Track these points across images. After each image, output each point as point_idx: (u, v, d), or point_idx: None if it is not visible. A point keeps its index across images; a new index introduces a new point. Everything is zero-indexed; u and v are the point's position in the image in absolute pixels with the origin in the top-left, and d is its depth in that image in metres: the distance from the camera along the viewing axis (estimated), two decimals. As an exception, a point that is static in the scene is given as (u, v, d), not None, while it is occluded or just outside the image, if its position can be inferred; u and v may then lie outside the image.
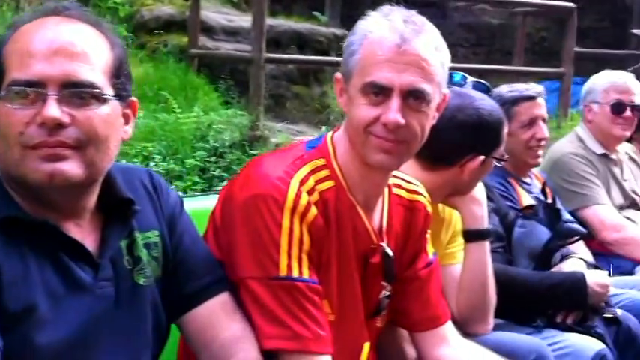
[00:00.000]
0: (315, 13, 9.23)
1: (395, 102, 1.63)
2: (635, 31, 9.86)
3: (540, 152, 3.14)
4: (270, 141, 6.34)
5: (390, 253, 1.83)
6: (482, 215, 2.30)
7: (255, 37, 6.87)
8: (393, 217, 1.86)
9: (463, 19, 15.69)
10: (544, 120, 3.10)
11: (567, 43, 7.32)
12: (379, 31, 1.66)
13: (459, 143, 2.22)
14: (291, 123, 7.50)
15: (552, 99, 9.00)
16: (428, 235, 1.99)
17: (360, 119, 1.67)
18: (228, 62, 7.82)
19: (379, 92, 1.65)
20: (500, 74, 8.32)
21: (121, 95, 1.47)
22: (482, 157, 2.25)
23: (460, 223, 2.38)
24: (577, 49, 8.07)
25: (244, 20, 8.04)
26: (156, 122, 6.00)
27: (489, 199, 2.78)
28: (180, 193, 2.29)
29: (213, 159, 5.83)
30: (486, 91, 2.94)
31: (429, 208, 1.98)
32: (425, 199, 1.96)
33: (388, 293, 1.87)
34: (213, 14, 8.25)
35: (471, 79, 2.97)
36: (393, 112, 1.63)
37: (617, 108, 3.56)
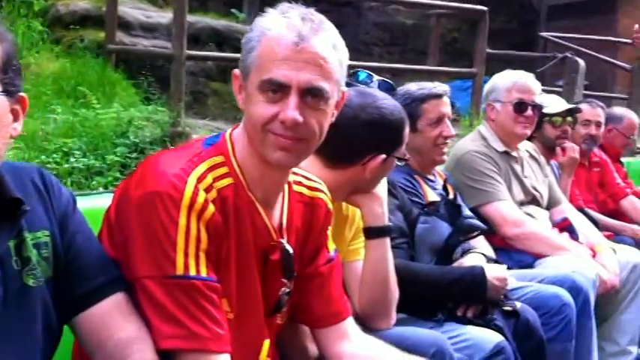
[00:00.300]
0: (234, 11, 9.17)
1: (293, 100, 1.61)
2: (543, 33, 10.15)
3: (446, 149, 3.19)
4: (191, 137, 6.26)
5: (290, 250, 1.81)
6: (382, 212, 2.30)
7: (176, 34, 6.77)
8: (293, 214, 1.84)
9: (378, 18, 15.80)
10: (449, 118, 3.15)
11: (479, 44, 7.46)
12: (277, 28, 1.64)
13: (360, 142, 2.22)
14: (211, 120, 7.43)
15: (464, 98, 9.20)
16: (329, 232, 1.98)
17: (258, 117, 1.65)
18: (148, 58, 7.68)
19: (277, 90, 1.62)
20: (415, 73, 8.42)
21: (8, 91, 1.41)
22: (383, 156, 2.25)
23: None
24: (489, 50, 8.24)
25: (162, 16, 7.93)
26: (75, 118, 5.85)
27: (394, 196, 2.81)
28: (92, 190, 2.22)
29: (134, 155, 5.71)
30: (391, 89, 2.97)
31: (330, 205, 1.97)
32: (326, 196, 1.95)
33: (288, 290, 1.85)
34: (131, 10, 8.10)
35: (376, 77, 2.98)
36: (290, 109, 1.61)
37: (519, 107, 3.62)
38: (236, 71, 1.73)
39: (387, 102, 2.31)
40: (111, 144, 5.69)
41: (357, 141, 2.21)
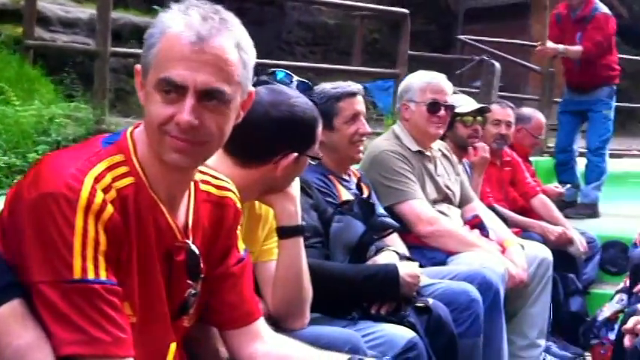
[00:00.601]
0: (155, 7, 9.01)
1: (189, 102, 1.54)
2: (460, 36, 10.36)
3: (362, 147, 3.18)
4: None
5: (196, 250, 1.74)
6: (295, 211, 2.25)
7: (100, 30, 6.57)
8: (199, 214, 1.78)
9: (301, 17, 15.77)
10: (364, 116, 3.14)
11: (402, 46, 7.51)
12: (177, 26, 1.56)
13: (271, 139, 2.17)
14: (136, 118, 7.27)
15: (386, 98, 9.28)
16: (239, 232, 1.92)
17: (154, 117, 1.57)
18: (68, 55, 7.45)
19: (173, 90, 1.55)
20: (340, 73, 8.44)
21: None
22: (295, 154, 2.20)
23: None
24: (410, 52, 8.33)
25: (81, 12, 7.72)
26: (-7, 115, 5.61)
27: (309, 195, 2.78)
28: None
29: (56, 153, 5.51)
30: (309, 90, 2.92)
31: (239, 205, 1.91)
32: (234, 196, 1.89)
33: (194, 292, 1.78)
34: (50, 5, 7.86)
35: (296, 78, 2.93)
36: (186, 112, 1.53)
37: (433, 107, 3.65)
38: (138, 66, 1.65)
39: (300, 100, 2.26)
40: (32, 142, 5.46)
41: (268, 139, 2.16)
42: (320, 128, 2.31)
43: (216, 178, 1.87)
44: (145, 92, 1.62)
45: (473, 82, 9.69)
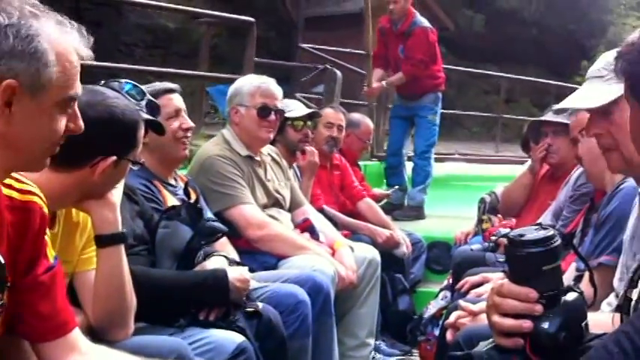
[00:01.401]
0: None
1: None
2: (301, 44, 10.58)
3: (187, 143, 3.14)
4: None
5: (1, 259, 1.64)
6: (114, 219, 2.16)
7: None
8: (2, 220, 1.67)
9: (140, 20, 15.42)
10: (185, 112, 3.13)
11: (248, 52, 7.41)
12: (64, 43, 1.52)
13: (87, 142, 2.02)
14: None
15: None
16: (47, 238, 1.82)
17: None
18: None
19: None
20: (186, 78, 8.30)
21: None
22: (114, 158, 2.11)
23: None
24: (256, 58, 8.34)
25: None
26: None
27: (135, 201, 2.69)
28: None
29: None
30: (143, 94, 2.81)
31: (46, 209, 1.80)
32: (40, 200, 1.78)
33: (0, 302, 1.67)
34: None
35: (148, 97, 2.80)
36: None
37: (263, 111, 3.65)
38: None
39: (119, 101, 2.17)
40: None
41: (83, 141, 2.02)
42: (142, 131, 2.23)
43: (19, 181, 1.75)
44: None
45: (314, 88, 10.12)
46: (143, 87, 2.94)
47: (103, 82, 2.50)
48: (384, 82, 6.69)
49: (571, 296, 1.41)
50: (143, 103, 2.63)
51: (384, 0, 6.64)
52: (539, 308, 1.40)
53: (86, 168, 2.06)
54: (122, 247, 2.17)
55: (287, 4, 16.17)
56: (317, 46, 10.27)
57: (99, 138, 2.05)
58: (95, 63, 6.04)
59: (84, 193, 2.10)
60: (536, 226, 1.44)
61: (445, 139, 17.30)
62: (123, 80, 2.61)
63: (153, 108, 2.69)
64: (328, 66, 7.72)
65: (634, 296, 1.45)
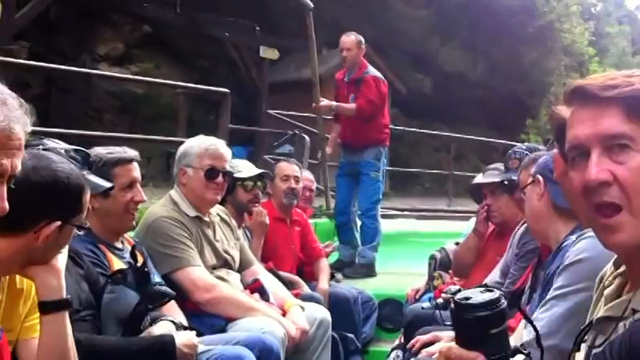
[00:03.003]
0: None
1: None
2: (270, 111, 10.89)
3: (136, 215, 3.08)
4: None
5: None
6: (58, 285, 2.09)
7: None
8: None
9: (108, 86, 15.89)
10: (140, 183, 3.07)
11: (223, 121, 8.00)
12: None
13: (30, 206, 1.99)
14: None
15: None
16: None
17: None
18: None
19: None
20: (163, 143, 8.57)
21: None
22: (58, 223, 2.05)
23: None
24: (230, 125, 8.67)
25: None
26: None
27: (79, 265, 2.63)
28: None
29: None
30: (86, 158, 2.77)
31: None
32: None
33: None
34: None
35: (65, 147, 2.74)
36: None
37: (210, 174, 3.62)
38: None
39: (64, 166, 2.13)
40: None
41: (28, 205, 1.98)
42: (87, 196, 2.19)
43: None
44: None
45: (279, 149, 10.53)
46: (104, 151, 2.92)
47: (42, 147, 2.45)
48: (333, 103, 6.65)
49: (518, 359, 1.40)
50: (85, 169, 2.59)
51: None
52: None
53: (30, 233, 2.00)
54: (66, 314, 2.10)
55: (252, 73, 16.57)
56: (283, 112, 10.80)
57: (43, 202, 2.00)
58: (68, 131, 6.26)
59: (29, 259, 2.03)
60: (482, 288, 1.43)
61: (401, 195, 17.71)
62: (63, 146, 2.57)
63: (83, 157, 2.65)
64: (297, 131, 8.25)
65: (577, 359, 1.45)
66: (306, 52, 7.44)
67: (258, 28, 16.14)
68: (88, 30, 16.65)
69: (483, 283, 1.57)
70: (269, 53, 16.48)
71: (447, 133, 16.42)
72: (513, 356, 1.40)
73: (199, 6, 15.98)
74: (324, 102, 6.70)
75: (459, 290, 1.47)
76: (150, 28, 18.03)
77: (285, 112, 10.74)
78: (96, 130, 11.75)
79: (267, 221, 4.46)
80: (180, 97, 12.07)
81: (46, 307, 2.07)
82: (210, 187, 3.62)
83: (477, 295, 1.39)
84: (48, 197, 2.02)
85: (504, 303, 1.39)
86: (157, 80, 11.26)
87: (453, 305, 1.41)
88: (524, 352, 1.42)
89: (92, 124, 14.14)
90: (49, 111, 11.72)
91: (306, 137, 8.18)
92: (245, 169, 4.31)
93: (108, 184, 2.73)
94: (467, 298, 1.39)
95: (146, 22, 17.33)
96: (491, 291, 1.40)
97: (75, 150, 2.64)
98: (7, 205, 1.48)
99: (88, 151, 2.77)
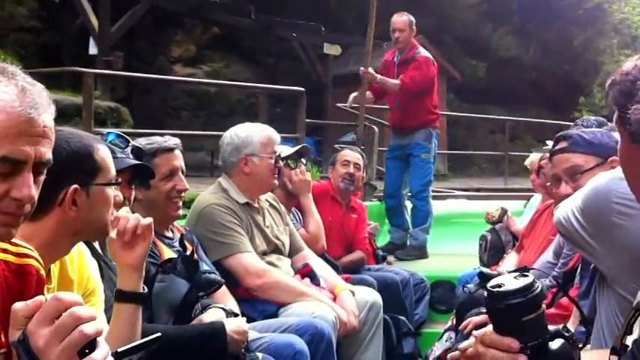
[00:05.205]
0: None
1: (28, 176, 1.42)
2: (339, 104, 10.82)
3: (180, 203, 3.01)
4: None
5: None
6: (137, 279, 2.10)
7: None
8: None
9: (184, 86, 17.16)
10: (183, 171, 2.99)
11: (300, 116, 8.60)
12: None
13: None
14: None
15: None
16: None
17: None
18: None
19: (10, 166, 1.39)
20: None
21: None
22: (75, 187, 1.89)
23: (92, 282, 2.12)
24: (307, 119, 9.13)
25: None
26: None
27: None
28: None
29: None
30: (126, 142, 2.69)
31: (42, 271, 1.68)
32: (36, 262, 1.65)
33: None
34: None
35: (132, 142, 2.68)
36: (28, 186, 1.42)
37: (277, 160, 3.61)
38: None
39: (64, 134, 1.94)
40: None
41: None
42: (99, 154, 1.99)
43: (14, 244, 1.64)
44: None
45: (343, 138, 11.74)
46: (144, 141, 2.86)
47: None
48: (378, 76, 6.44)
49: (557, 344, 1.28)
50: (128, 150, 2.52)
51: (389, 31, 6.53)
52: (522, 359, 1.27)
53: (56, 207, 1.91)
54: (139, 307, 2.09)
55: (317, 68, 17.07)
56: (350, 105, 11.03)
57: (50, 173, 1.89)
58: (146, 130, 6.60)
59: (74, 233, 1.94)
60: (517, 273, 1.31)
61: (459, 176, 17.71)
62: (105, 131, 2.52)
63: (138, 154, 2.59)
64: (366, 124, 8.35)
65: (629, 342, 1.32)
66: (364, 47, 7.25)
67: (324, 29, 16.49)
68: (162, 35, 17.91)
69: (523, 266, 1.44)
70: (332, 49, 16.99)
71: (500, 117, 16.48)
72: (553, 339, 1.28)
73: (271, 11, 16.50)
74: (371, 70, 6.48)
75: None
76: (218, 30, 18.88)
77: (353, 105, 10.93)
78: (174, 127, 13.63)
79: (310, 178, 4.34)
80: (260, 96, 13.47)
81: (122, 296, 2.07)
82: (275, 173, 3.59)
83: (510, 282, 1.28)
84: (52, 167, 1.91)
85: (538, 287, 1.26)
86: (240, 83, 13.10)
87: (485, 294, 1.30)
88: (566, 334, 1.29)
89: (171, 122, 15.70)
90: (131, 111, 12.11)
91: (375, 129, 8.48)
92: (283, 149, 4.20)
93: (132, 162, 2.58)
94: (499, 285, 1.28)
95: (215, 24, 18.11)
96: (526, 275, 1.28)
97: (117, 135, 2.57)
98: (34, 193, 1.40)
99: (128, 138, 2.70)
